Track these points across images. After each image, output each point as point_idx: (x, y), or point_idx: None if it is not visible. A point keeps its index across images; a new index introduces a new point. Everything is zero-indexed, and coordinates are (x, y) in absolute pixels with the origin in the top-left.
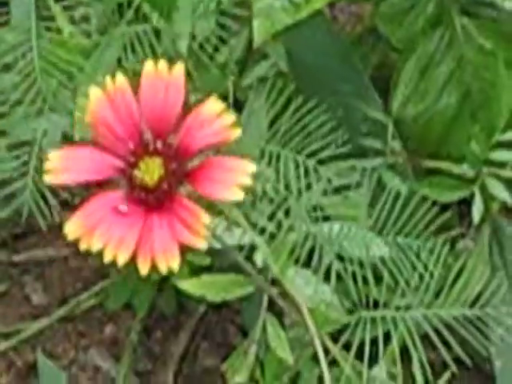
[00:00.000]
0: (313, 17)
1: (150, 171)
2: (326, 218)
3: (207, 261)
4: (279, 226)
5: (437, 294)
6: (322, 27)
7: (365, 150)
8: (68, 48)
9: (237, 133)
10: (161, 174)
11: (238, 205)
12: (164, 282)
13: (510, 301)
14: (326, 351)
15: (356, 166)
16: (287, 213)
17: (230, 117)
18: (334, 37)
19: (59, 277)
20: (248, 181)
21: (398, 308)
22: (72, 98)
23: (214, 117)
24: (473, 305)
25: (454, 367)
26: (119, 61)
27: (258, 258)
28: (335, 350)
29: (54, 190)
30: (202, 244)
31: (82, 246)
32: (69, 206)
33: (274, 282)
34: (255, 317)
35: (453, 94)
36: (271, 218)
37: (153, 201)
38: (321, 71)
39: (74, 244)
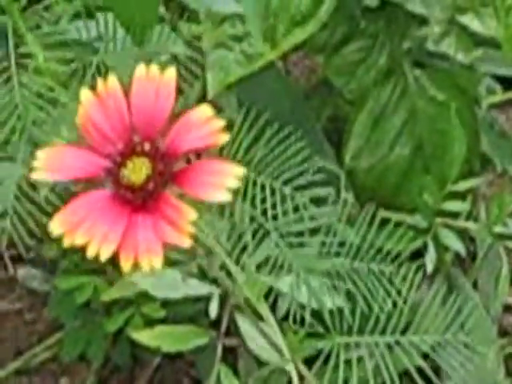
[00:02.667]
0: (266, 69)
1: (137, 171)
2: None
3: (162, 313)
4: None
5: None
6: (275, 80)
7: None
8: (45, 75)
9: (225, 137)
10: (148, 174)
11: (194, 255)
12: (118, 334)
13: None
14: (301, 379)
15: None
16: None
17: (219, 122)
18: (287, 89)
19: (13, 330)
20: (236, 184)
21: (371, 334)
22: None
23: (203, 121)
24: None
25: None
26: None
27: (214, 307)
28: (310, 376)
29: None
30: (186, 242)
31: (66, 242)
32: (21, 261)
33: (229, 333)
34: (209, 366)
35: (405, 145)
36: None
37: (138, 200)
38: (273, 122)
39: (28, 297)
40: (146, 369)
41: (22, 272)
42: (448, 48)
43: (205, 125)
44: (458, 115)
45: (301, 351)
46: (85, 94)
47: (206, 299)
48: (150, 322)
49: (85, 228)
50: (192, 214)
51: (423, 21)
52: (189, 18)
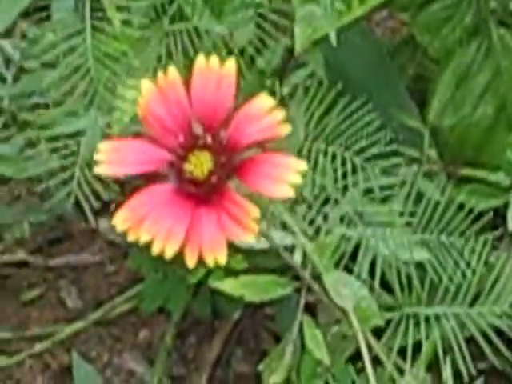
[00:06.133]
0: (352, 27)
1: (200, 164)
2: (364, 224)
3: (244, 265)
4: (317, 230)
5: (477, 295)
6: (361, 38)
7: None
8: (119, 40)
9: (286, 129)
10: (210, 168)
11: (277, 208)
12: (199, 287)
13: None
14: (368, 349)
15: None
16: (325, 217)
17: (280, 113)
18: (373, 47)
19: (94, 281)
20: (298, 179)
21: (440, 305)
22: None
23: (264, 112)
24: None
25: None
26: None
27: (298, 258)
28: (377, 347)
29: (90, 195)
30: (250, 239)
31: (130, 238)
32: (103, 213)
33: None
34: (289, 320)
35: (489, 103)
36: (310, 223)
37: (201, 194)
38: (358, 80)
39: (109, 249)
40: (226, 323)
41: (104, 224)
42: None
43: (266, 116)
44: None
45: (370, 321)
46: (145, 85)
47: (290, 252)
48: (231, 275)
49: (149, 224)
50: (255, 212)
51: None
52: None
